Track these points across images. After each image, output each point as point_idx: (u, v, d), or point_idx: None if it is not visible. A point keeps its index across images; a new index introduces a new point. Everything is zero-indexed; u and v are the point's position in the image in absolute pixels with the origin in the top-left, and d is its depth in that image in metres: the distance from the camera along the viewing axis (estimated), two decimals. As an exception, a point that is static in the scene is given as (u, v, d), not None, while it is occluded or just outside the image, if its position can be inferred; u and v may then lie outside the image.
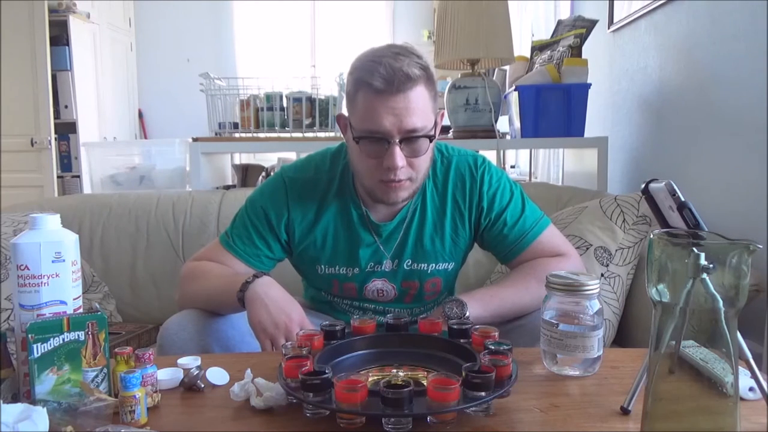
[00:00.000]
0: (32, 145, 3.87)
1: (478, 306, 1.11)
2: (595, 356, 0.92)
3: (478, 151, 1.31)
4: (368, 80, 1.04)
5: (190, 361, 0.92)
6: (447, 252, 1.23)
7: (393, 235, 1.21)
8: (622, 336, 1.46)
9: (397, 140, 1.06)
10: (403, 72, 1.02)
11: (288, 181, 1.22)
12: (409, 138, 1.06)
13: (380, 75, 1.02)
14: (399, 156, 1.06)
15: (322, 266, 1.23)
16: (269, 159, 2.80)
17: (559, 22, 2.31)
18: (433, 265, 1.23)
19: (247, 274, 1.11)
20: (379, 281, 1.23)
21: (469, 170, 1.22)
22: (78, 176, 4.16)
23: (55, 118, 3.95)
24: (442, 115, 1.16)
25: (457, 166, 1.22)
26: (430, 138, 1.09)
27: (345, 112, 1.17)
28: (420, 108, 1.05)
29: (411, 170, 1.10)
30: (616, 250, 1.45)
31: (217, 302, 1.13)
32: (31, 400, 0.79)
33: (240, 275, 1.12)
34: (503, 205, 1.21)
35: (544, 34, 3.03)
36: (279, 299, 1.06)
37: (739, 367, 0.66)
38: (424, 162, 1.12)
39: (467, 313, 1.08)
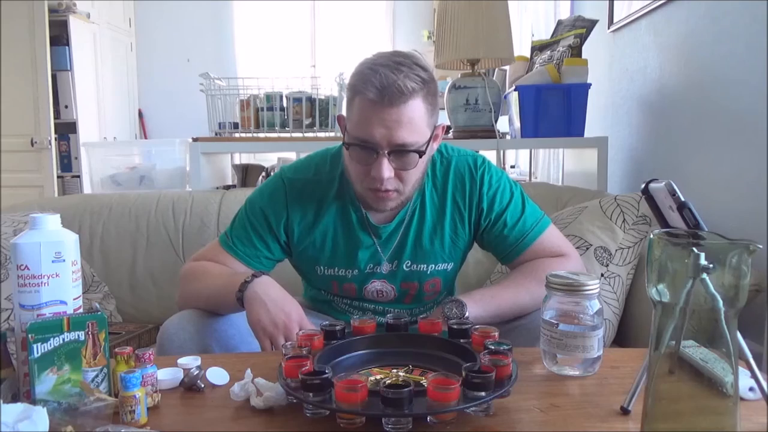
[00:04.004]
0: (32, 145, 3.87)
1: (477, 307, 1.11)
2: (595, 356, 0.92)
3: (478, 151, 1.31)
4: (362, 89, 1.03)
5: (190, 361, 0.92)
6: (446, 252, 1.23)
7: (392, 237, 1.21)
8: (622, 336, 1.46)
9: (386, 152, 1.05)
10: (397, 85, 1.01)
11: (287, 182, 1.22)
12: (399, 151, 1.06)
13: (374, 86, 1.01)
14: (386, 168, 1.06)
15: (322, 267, 1.24)
16: (269, 159, 2.80)
17: (559, 22, 2.31)
18: (433, 265, 1.23)
19: (246, 273, 1.11)
20: (378, 282, 1.23)
21: (469, 170, 1.21)
22: (78, 176, 4.16)
23: (55, 118, 3.94)
24: (443, 128, 1.15)
25: (456, 166, 1.21)
26: (420, 153, 1.07)
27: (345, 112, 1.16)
28: (413, 122, 1.04)
29: (399, 182, 1.10)
30: (616, 250, 1.45)
31: (217, 302, 1.13)
32: (31, 400, 0.79)
33: (239, 275, 1.12)
34: (503, 205, 1.21)
35: (544, 34, 3.03)
36: (278, 298, 1.05)
37: (739, 367, 0.66)
38: (413, 175, 1.11)
39: (466, 314, 1.08)
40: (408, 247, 1.21)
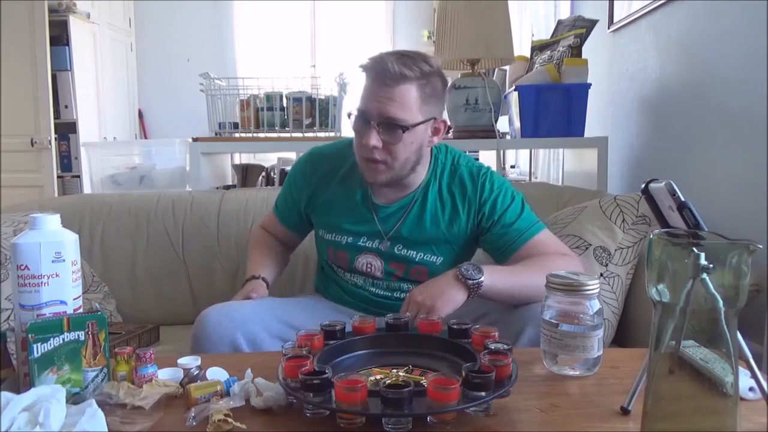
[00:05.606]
0: (32, 145, 3.86)
1: (494, 277, 1.15)
2: (595, 356, 0.92)
3: (478, 152, 1.36)
4: (369, 70, 1.21)
5: (190, 361, 0.92)
6: (437, 246, 1.31)
7: (390, 218, 1.32)
8: (622, 336, 1.46)
9: (375, 123, 1.20)
10: (395, 69, 1.18)
11: (313, 155, 1.43)
12: (386, 123, 1.20)
13: (376, 68, 1.20)
14: (374, 137, 1.20)
15: (322, 231, 1.39)
16: (269, 159, 2.80)
17: (559, 22, 2.31)
18: (421, 254, 1.32)
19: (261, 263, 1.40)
20: (370, 255, 1.34)
21: (473, 178, 1.31)
22: (78, 176, 4.15)
23: (55, 118, 3.94)
24: (444, 124, 1.28)
25: (462, 173, 1.32)
26: (404, 128, 1.20)
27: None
28: (403, 102, 1.19)
29: (387, 155, 1.23)
30: (616, 250, 1.45)
31: None
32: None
33: (254, 266, 1.39)
34: (504, 207, 1.29)
35: (544, 34, 3.03)
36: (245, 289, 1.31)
37: (739, 367, 0.66)
38: (401, 151, 1.23)
39: (482, 278, 1.12)
40: (402, 232, 1.32)
